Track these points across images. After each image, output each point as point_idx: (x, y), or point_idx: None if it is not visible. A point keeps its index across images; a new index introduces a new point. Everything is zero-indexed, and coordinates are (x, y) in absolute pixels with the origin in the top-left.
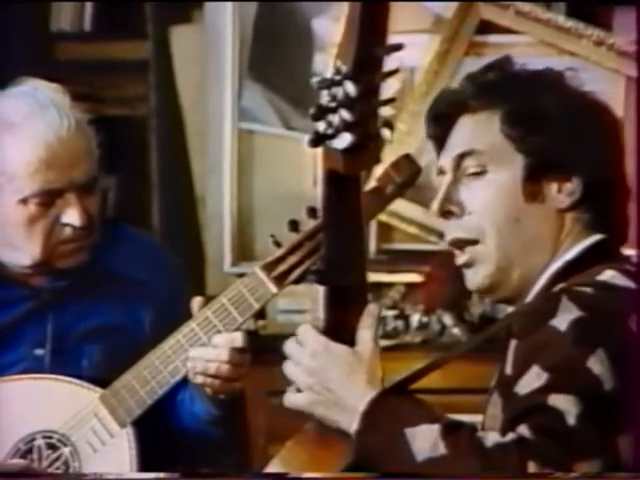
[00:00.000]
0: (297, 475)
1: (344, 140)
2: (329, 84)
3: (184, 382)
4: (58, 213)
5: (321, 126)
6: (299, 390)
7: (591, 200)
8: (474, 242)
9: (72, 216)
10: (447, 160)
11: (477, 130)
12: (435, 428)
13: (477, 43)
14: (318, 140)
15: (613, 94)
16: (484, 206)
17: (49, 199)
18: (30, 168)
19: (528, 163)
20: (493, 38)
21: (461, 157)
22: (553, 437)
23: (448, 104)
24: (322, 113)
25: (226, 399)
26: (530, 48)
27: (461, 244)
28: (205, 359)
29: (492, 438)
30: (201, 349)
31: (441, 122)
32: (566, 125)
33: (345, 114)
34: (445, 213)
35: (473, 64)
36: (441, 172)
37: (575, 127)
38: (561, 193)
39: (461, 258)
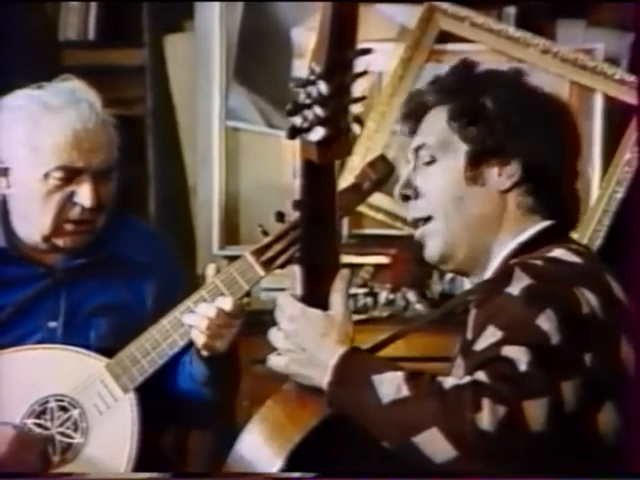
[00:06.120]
0: (287, 475)
1: (317, 133)
2: (304, 83)
3: (189, 347)
4: (72, 191)
5: (297, 121)
6: (279, 354)
7: (532, 182)
8: (427, 219)
9: (84, 196)
10: (410, 152)
11: (430, 124)
12: (399, 374)
13: (437, 51)
14: (294, 133)
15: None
16: (433, 189)
17: (68, 175)
18: (57, 147)
19: (469, 150)
20: (451, 46)
21: (417, 149)
22: (506, 380)
23: (415, 104)
24: (298, 109)
25: (214, 362)
26: (483, 55)
27: (418, 223)
28: (197, 314)
29: (450, 381)
30: (198, 306)
31: (410, 119)
32: (504, 116)
33: (318, 110)
34: (403, 197)
35: (433, 69)
36: (407, 162)
37: (512, 117)
38: (502, 176)
39: (417, 233)
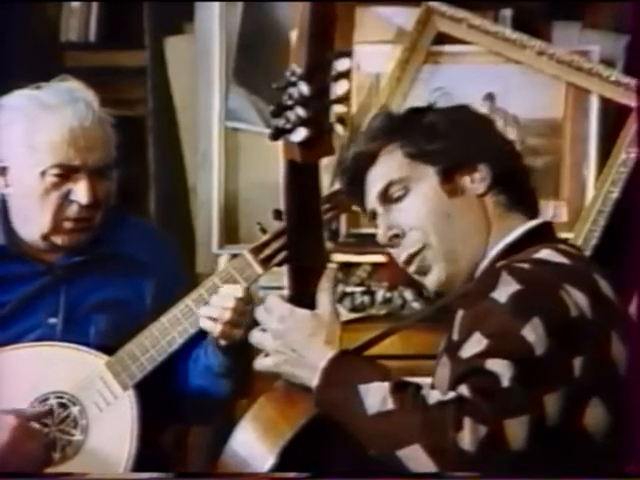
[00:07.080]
0: (282, 475)
1: (300, 134)
2: (286, 84)
3: (199, 341)
4: (69, 189)
5: (280, 122)
6: (267, 355)
7: (501, 182)
8: (420, 251)
9: (80, 194)
10: (373, 202)
11: (385, 166)
12: (385, 385)
13: (434, 52)
14: (277, 134)
15: (554, 97)
16: (417, 217)
17: (64, 173)
18: (53, 145)
19: (437, 169)
20: (448, 48)
21: (384, 192)
22: (488, 396)
23: (358, 160)
24: (280, 110)
25: (233, 350)
26: (480, 57)
27: (414, 258)
28: (212, 305)
29: (435, 396)
30: (212, 297)
31: (356, 178)
32: (453, 129)
33: (300, 111)
34: (391, 239)
35: (430, 71)
36: (373, 216)
37: (461, 129)
38: (474, 182)
39: (411, 269)
